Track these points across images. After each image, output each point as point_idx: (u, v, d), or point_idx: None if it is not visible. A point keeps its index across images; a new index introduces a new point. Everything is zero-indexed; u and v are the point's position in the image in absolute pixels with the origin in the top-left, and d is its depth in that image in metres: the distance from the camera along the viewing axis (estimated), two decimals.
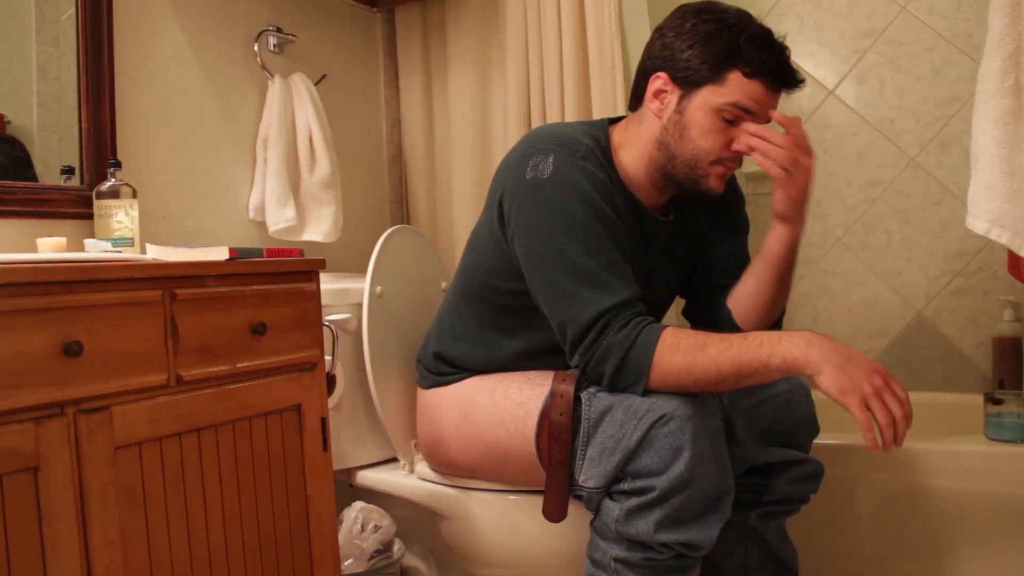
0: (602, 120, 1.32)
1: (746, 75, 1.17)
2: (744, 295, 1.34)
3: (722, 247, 1.40)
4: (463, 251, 1.39)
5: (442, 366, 1.39)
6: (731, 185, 1.39)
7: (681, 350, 1.10)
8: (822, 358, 1.05)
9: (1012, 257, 1.70)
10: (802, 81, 1.22)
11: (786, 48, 1.21)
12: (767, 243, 1.29)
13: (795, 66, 1.22)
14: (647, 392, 1.12)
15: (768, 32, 1.20)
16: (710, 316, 1.39)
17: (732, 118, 1.19)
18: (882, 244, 2.12)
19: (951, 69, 2.03)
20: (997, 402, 1.56)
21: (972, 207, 1.41)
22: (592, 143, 1.23)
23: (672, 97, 1.22)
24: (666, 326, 1.13)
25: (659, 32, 1.25)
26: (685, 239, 1.37)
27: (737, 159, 1.23)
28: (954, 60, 2.03)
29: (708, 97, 1.19)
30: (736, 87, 1.18)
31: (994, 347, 1.95)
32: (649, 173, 1.26)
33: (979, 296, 2.02)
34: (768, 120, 1.22)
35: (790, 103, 2.20)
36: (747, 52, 1.17)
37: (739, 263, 1.38)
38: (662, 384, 1.11)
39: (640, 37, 1.83)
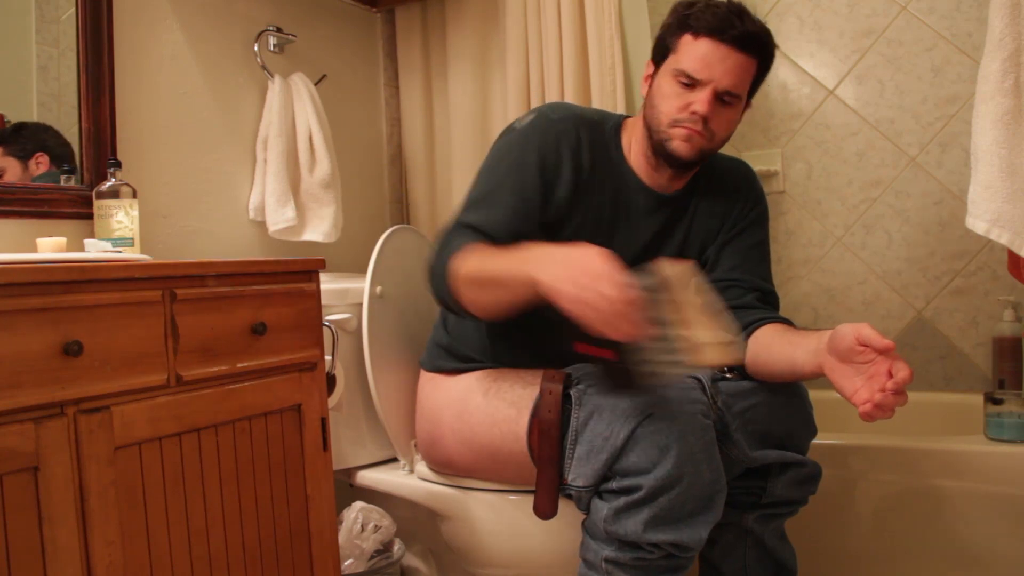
0: (623, 114, 1.40)
1: (694, 36, 1.21)
2: (771, 360, 1.24)
3: (732, 244, 1.38)
4: None
5: (451, 341, 1.40)
6: (747, 178, 1.40)
7: (476, 254, 1.13)
8: (557, 286, 0.98)
9: (1012, 257, 1.70)
10: (759, 36, 1.21)
11: (738, 7, 1.21)
12: (810, 360, 1.16)
13: (750, 23, 1.20)
14: (470, 315, 1.16)
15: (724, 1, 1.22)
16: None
17: (687, 82, 1.22)
18: (882, 244, 2.12)
19: (951, 69, 2.03)
20: (997, 402, 1.56)
21: (972, 207, 1.41)
22: (598, 117, 1.33)
23: (652, 76, 1.30)
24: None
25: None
26: (698, 221, 1.36)
27: (697, 121, 1.22)
28: (954, 60, 2.02)
29: (669, 65, 1.25)
30: (685, 51, 1.22)
31: (994, 347, 1.95)
32: (644, 151, 1.31)
33: (979, 296, 2.02)
34: (723, 86, 1.20)
35: (789, 102, 2.21)
36: (694, 14, 1.21)
37: (749, 260, 1.37)
38: (461, 291, 1.13)
39: (640, 37, 1.83)
